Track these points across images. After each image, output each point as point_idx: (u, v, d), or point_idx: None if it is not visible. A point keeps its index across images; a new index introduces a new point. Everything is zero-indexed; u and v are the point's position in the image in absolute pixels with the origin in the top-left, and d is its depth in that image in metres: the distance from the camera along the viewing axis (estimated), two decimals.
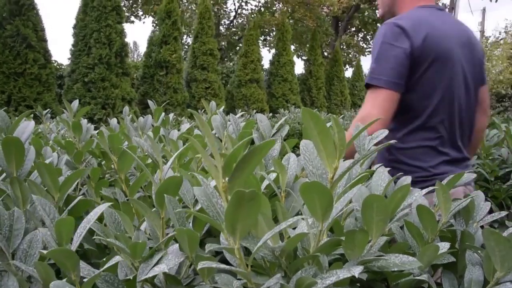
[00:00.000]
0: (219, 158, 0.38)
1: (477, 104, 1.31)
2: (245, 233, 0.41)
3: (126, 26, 7.61)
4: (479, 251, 0.62)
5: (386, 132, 0.73)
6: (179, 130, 2.47)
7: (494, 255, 0.51)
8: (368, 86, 1.17)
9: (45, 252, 0.44)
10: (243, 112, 1.41)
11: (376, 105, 1.13)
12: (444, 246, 0.55)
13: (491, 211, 0.86)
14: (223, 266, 0.42)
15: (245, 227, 0.40)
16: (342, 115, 7.33)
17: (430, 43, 1.15)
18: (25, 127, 0.87)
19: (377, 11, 1.41)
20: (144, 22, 31.98)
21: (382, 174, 0.65)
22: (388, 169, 0.68)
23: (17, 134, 0.84)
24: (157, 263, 0.56)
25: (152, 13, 17.26)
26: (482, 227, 0.71)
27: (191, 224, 0.65)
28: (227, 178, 0.38)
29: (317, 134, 0.38)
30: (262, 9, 17.84)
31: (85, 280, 0.50)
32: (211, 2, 10.33)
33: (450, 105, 1.19)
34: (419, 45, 1.14)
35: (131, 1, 17.33)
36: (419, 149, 1.17)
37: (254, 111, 7.38)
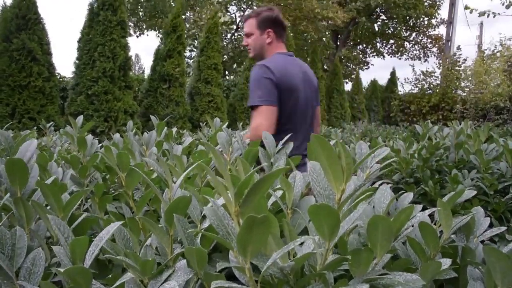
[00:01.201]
0: (231, 186, 0.39)
1: (313, 118, 2.00)
2: (255, 254, 0.43)
3: (129, 39, 7.71)
4: (480, 267, 0.63)
5: (388, 150, 0.75)
6: (181, 143, 2.49)
7: (495, 271, 0.52)
8: (253, 107, 1.74)
9: (62, 270, 0.45)
10: (246, 130, 1.44)
11: (264, 117, 1.69)
12: (446, 263, 0.56)
13: (490, 225, 0.87)
14: (234, 285, 0.43)
15: (255, 249, 0.41)
16: (341, 128, 7.35)
17: (283, 78, 1.76)
18: (28, 146, 0.88)
19: (248, 51, 2.04)
20: (147, 35, 32.31)
21: (384, 192, 0.66)
22: None
23: (21, 154, 0.85)
24: (166, 280, 0.57)
25: (156, 27, 17.46)
26: (483, 241, 0.72)
27: (198, 240, 0.67)
28: (239, 204, 0.40)
29: (325, 158, 0.40)
30: None
31: None
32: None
33: (295, 117, 1.84)
34: (278, 78, 1.74)
35: (135, 17, 17.56)
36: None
37: None
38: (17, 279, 0.62)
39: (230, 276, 0.64)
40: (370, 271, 0.48)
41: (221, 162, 0.42)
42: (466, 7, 7.35)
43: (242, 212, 0.41)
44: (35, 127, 4.15)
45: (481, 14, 6.97)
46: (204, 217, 0.71)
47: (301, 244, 0.59)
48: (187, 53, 17.57)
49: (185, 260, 0.60)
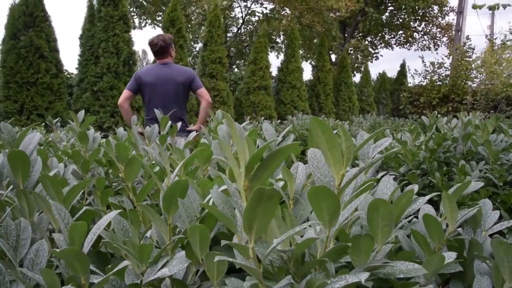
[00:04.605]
0: (243, 159, 0.38)
1: (200, 98, 3.30)
2: (260, 233, 0.42)
3: (135, 34, 7.73)
4: (487, 261, 0.61)
5: (389, 139, 0.73)
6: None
7: (503, 265, 0.50)
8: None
9: (57, 250, 0.45)
10: (247, 122, 1.43)
11: (122, 96, 3.25)
12: (451, 256, 0.54)
13: (500, 217, 0.84)
14: (237, 261, 0.43)
15: (261, 226, 0.40)
16: (350, 121, 7.29)
17: (145, 77, 3.22)
18: (31, 139, 0.88)
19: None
20: (155, 28, 32.19)
21: (387, 183, 0.65)
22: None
23: (24, 146, 0.85)
24: (162, 267, 0.57)
25: (157, 20, 17.44)
26: (492, 234, 0.70)
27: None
28: (249, 178, 0.39)
29: (324, 141, 0.39)
30: (269, 14, 17.89)
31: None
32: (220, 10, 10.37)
33: (155, 99, 3.21)
34: (141, 78, 3.22)
35: (139, 8, 17.53)
36: (147, 120, 3.31)
37: (263, 118, 7.38)
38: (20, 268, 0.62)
39: (230, 271, 0.63)
40: (371, 260, 0.47)
41: (224, 144, 0.41)
42: (474, 6, 7.17)
43: (251, 186, 0.39)
44: (43, 123, 4.19)
45: (492, 8, 6.81)
46: (203, 209, 0.71)
47: (302, 236, 0.58)
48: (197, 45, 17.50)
49: (183, 251, 0.59)
